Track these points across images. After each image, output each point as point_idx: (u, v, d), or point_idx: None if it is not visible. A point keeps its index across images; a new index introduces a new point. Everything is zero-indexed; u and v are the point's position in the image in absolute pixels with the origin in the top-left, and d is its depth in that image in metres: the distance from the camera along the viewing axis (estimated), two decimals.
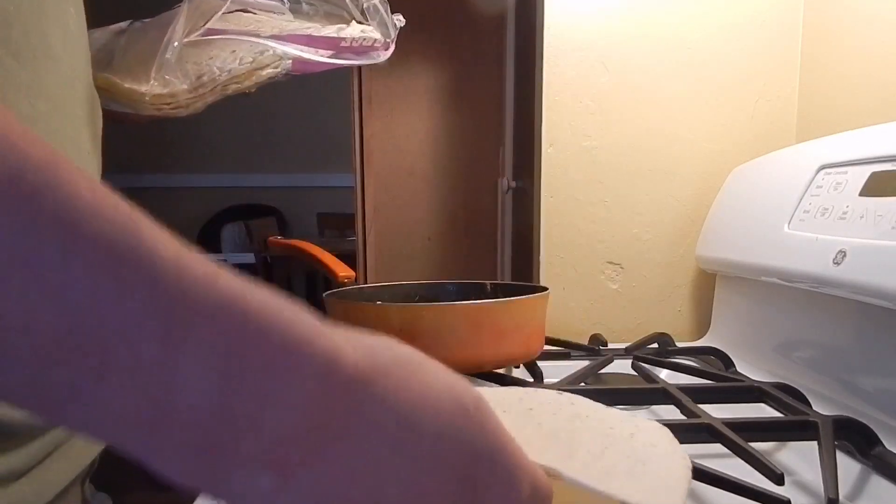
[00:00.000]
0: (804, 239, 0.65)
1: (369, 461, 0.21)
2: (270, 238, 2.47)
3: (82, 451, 0.44)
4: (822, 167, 0.68)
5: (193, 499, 0.44)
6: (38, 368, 0.17)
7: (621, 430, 0.38)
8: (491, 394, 0.45)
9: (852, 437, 0.50)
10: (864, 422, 0.50)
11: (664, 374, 0.71)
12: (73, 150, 0.42)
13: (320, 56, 0.64)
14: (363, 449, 0.21)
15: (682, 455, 0.35)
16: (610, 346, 0.83)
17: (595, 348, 0.81)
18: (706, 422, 0.49)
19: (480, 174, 1.52)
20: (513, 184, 1.36)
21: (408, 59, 1.50)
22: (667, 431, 0.38)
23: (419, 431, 0.22)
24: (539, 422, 0.40)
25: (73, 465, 0.43)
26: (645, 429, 0.39)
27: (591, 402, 0.45)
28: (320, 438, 0.20)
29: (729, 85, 0.92)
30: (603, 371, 0.71)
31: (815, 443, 0.47)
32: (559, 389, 0.58)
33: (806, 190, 0.69)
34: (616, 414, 0.41)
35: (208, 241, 3.61)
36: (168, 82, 0.56)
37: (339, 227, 3.18)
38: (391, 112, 1.51)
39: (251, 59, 0.61)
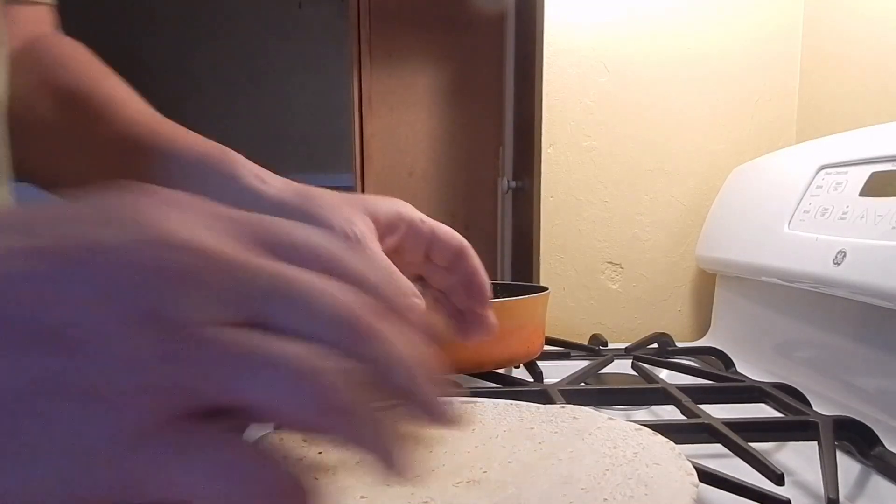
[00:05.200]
0: (804, 239, 0.65)
1: None
2: None
3: None
4: (822, 167, 0.68)
5: None
6: None
7: (624, 449, 0.37)
8: (492, 410, 0.45)
9: (852, 437, 0.50)
10: (864, 422, 0.50)
11: (664, 374, 0.71)
12: None
13: None
14: None
15: (689, 471, 0.35)
16: (610, 346, 0.83)
17: (595, 348, 0.81)
18: (706, 422, 0.49)
19: (480, 174, 1.52)
20: (513, 184, 1.36)
21: (408, 58, 1.50)
22: (673, 447, 0.38)
23: None
24: (540, 441, 0.40)
25: None
26: (650, 445, 0.38)
27: (595, 413, 0.44)
28: None
29: (729, 85, 0.92)
30: (603, 371, 0.71)
31: (815, 443, 0.47)
32: (560, 390, 0.58)
33: (806, 190, 0.69)
34: (620, 429, 0.41)
35: None
36: None
37: None
38: (391, 112, 1.50)
39: None
